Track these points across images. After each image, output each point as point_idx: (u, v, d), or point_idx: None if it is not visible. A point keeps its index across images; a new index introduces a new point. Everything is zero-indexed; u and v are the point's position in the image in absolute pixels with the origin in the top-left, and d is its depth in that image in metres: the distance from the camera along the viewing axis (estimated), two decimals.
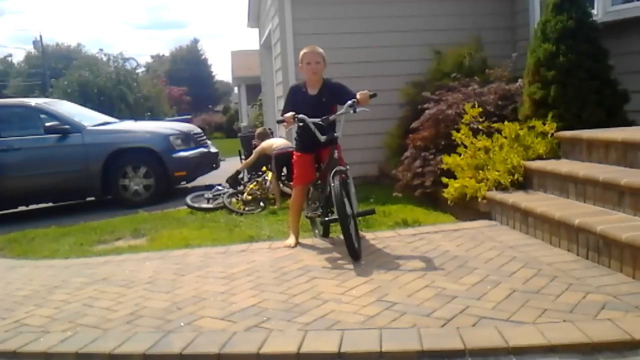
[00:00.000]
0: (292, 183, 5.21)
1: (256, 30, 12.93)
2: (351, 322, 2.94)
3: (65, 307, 3.67)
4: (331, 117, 4.43)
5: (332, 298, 3.31)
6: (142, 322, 3.24)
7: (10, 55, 65.24)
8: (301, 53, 4.63)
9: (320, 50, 4.64)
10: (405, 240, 4.53)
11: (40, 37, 50.19)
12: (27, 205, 9.16)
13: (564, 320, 2.74)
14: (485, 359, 2.50)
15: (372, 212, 4.50)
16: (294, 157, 4.79)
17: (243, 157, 8.91)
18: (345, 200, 4.11)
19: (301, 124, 4.41)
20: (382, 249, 4.32)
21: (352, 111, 4.34)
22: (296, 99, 4.62)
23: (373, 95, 4.39)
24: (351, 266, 3.92)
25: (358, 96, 4.33)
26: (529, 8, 7.45)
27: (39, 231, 6.98)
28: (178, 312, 3.34)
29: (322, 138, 4.37)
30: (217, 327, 3.03)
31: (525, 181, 5.00)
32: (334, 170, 4.21)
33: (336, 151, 4.39)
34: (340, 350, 2.63)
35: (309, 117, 4.42)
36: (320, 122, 4.40)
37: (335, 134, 4.42)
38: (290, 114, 4.42)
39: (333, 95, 4.56)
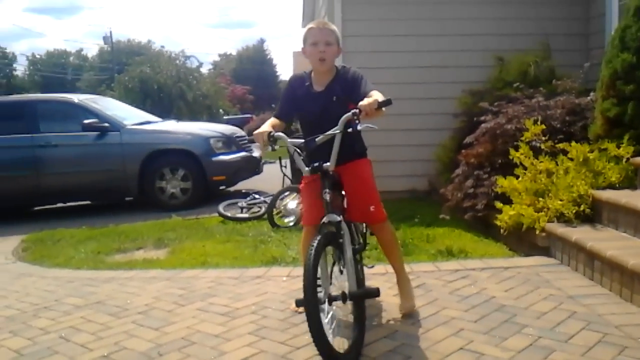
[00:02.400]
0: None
1: None
2: None
3: (41, 338, 3.21)
4: (318, 139, 2.91)
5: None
6: None
7: (82, 50, 67.37)
8: (305, 29, 3.16)
9: (333, 26, 3.18)
10: (445, 278, 3.87)
11: (110, 32, 51.56)
12: (65, 203, 8.93)
13: None
14: None
15: (375, 293, 2.84)
16: (301, 183, 3.30)
17: (284, 165, 8.30)
18: (323, 273, 2.74)
19: (276, 147, 2.98)
20: (415, 287, 3.67)
21: (349, 129, 2.84)
22: (295, 95, 3.21)
23: (385, 103, 2.83)
24: (374, 312, 3.31)
25: (361, 103, 2.79)
26: (606, 12, 6.58)
27: (68, 232, 6.70)
28: (157, 359, 2.81)
29: (306, 171, 2.96)
30: None
31: (593, 214, 4.25)
32: (321, 222, 2.84)
33: (326, 191, 2.87)
34: None
35: (313, 123, 3.11)
36: (304, 145, 3.08)
37: (325, 165, 2.89)
38: (263, 129, 2.99)
39: (348, 92, 3.06)
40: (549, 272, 3.88)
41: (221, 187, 8.83)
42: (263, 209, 6.78)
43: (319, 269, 2.61)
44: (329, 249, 2.82)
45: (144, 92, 22.84)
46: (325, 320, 2.65)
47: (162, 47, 62.46)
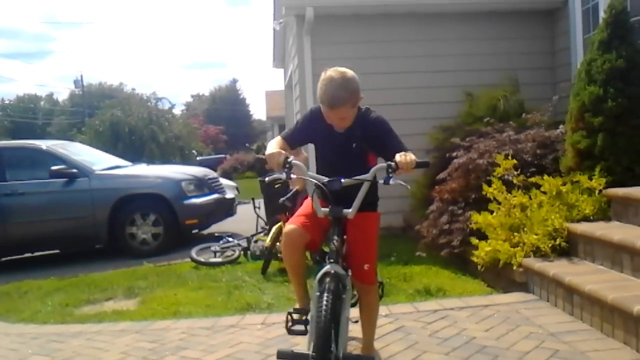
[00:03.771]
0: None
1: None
2: None
3: None
4: (345, 181, 2.69)
5: None
6: None
7: (53, 94, 66.98)
8: (318, 93, 2.82)
9: (351, 83, 2.79)
10: (424, 320, 3.78)
11: (81, 76, 50.86)
12: (32, 253, 8.67)
13: None
14: None
15: None
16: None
17: (257, 207, 8.09)
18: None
19: (292, 175, 2.69)
20: (394, 331, 3.58)
21: (382, 181, 2.62)
22: (313, 128, 2.96)
23: (423, 165, 2.69)
24: None
25: (398, 158, 2.59)
26: (571, 46, 6.70)
27: (35, 283, 6.47)
28: None
29: (322, 212, 2.74)
30: None
31: (569, 247, 4.23)
32: (323, 271, 2.60)
33: (336, 238, 2.70)
34: None
35: (330, 161, 2.98)
36: (326, 184, 2.73)
37: (345, 211, 2.71)
38: (275, 149, 2.76)
39: (370, 140, 2.85)
40: (529, 309, 3.82)
41: (194, 231, 8.67)
42: (237, 253, 6.65)
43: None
44: None
45: (115, 135, 22.65)
46: None
47: (133, 89, 62.27)
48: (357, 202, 2.68)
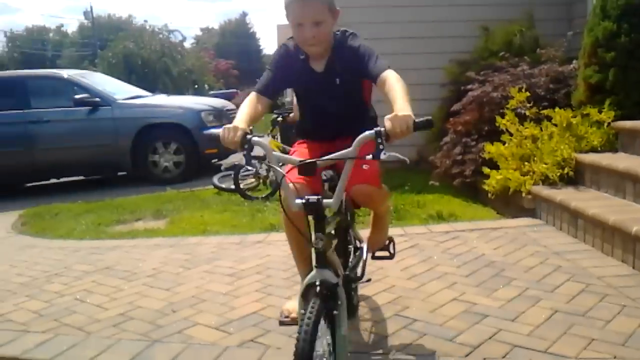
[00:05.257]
0: None
1: None
2: (360, 342, 2.54)
3: (56, 300, 3.37)
4: (320, 162, 2.09)
5: None
6: (130, 325, 2.91)
7: (62, 26, 66.34)
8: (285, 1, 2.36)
9: None
10: (437, 239, 4.08)
11: (91, 7, 50.79)
12: (58, 178, 9.03)
13: (615, 357, 2.28)
14: None
15: None
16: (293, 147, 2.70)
17: (274, 136, 8.35)
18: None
19: (253, 159, 2.11)
20: (409, 248, 3.89)
21: (370, 157, 1.94)
22: (288, 69, 2.48)
23: (424, 125, 2.00)
24: (372, 269, 3.51)
25: (388, 124, 1.96)
26: None
27: (65, 206, 6.80)
28: (171, 315, 3.00)
29: (295, 205, 2.01)
30: (209, 339, 2.68)
31: (576, 176, 4.46)
32: (306, 282, 1.99)
33: (320, 235, 2.01)
34: None
35: (314, 112, 2.59)
36: (299, 167, 2.09)
37: (326, 202, 2.01)
38: (236, 123, 2.16)
39: (352, 70, 2.39)
40: (535, 232, 4.10)
41: (213, 160, 8.96)
42: (257, 181, 6.92)
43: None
44: None
45: (129, 67, 22.76)
46: None
47: (145, 21, 61.60)
48: (339, 189, 2.02)
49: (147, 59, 22.99)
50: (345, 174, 2.02)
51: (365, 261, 2.59)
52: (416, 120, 1.95)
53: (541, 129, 4.88)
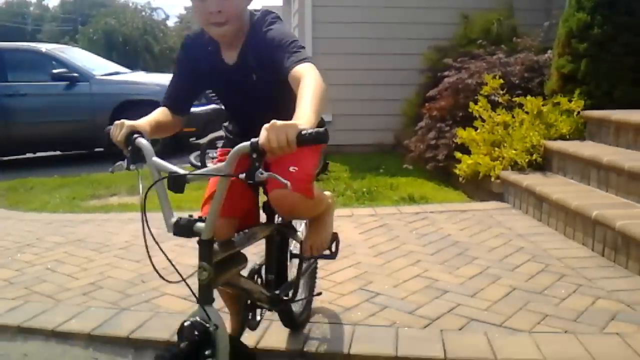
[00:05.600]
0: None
1: None
2: (325, 314, 2.61)
3: (27, 269, 3.40)
4: (191, 176, 1.58)
5: None
6: (99, 294, 2.96)
7: (44, 0, 65.35)
8: None
9: None
10: (406, 219, 4.17)
11: None
12: (34, 152, 8.98)
13: (566, 331, 2.38)
14: None
15: None
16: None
17: None
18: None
19: (132, 166, 1.79)
20: (378, 227, 3.97)
21: (243, 176, 1.45)
22: (197, 70, 2.02)
23: (312, 140, 1.42)
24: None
25: (262, 135, 1.42)
26: None
27: (39, 180, 6.79)
28: (141, 285, 3.05)
29: (169, 226, 1.67)
30: (176, 308, 2.74)
31: (544, 162, 4.57)
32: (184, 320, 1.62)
33: (204, 264, 1.64)
34: (303, 348, 2.32)
35: (237, 115, 2.16)
36: (169, 180, 1.62)
37: (198, 227, 1.62)
38: (120, 121, 1.80)
39: (265, 64, 1.89)
40: (502, 215, 4.20)
41: (191, 139, 8.95)
42: None
43: None
44: None
45: (109, 44, 22.55)
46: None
47: None
48: (212, 213, 1.56)
49: (128, 36, 22.79)
50: (220, 194, 1.53)
51: (305, 274, 2.31)
52: (303, 132, 1.40)
53: (513, 116, 4.98)
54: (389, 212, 4.38)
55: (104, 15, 24.76)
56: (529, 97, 4.95)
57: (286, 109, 1.67)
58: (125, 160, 1.77)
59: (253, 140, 1.42)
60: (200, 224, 1.59)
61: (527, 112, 4.91)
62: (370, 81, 7.34)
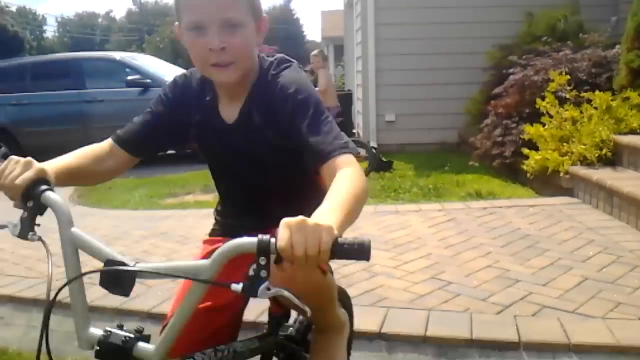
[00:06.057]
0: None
1: None
2: (399, 299, 2.74)
3: None
4: (146, 269, 1.08)
5: (382, 272, 3.10)
6: None
7: (111, 11, 67.88)
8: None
9: None
10: (474, 214, 4.24)
11: None
12: None
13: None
14: (541, 355, 2.24)
15: None
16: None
17: None
18: None
19: (36, 226, 1.18)
20: (446, 221, 4.06)
21: (239, 288, 0.98)
22: (179, 117, 1.52)
23: (353, 253, 0.96)
24: (410, 239, 3.69)
25: (281, 233, 0.95)
26: None
27: (117, 181, 7.12)
28: None
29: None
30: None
31: (614, 157, 4.55)
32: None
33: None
34: (381, 330, 2.45)
35: (233, 199, 1.64)
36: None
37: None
38: (30, 159, 1.20)
39: (278, 121, 1.39)
40: (571, 209, 4.22)
41: None
42: None
43: None
44: None
45: (175, 52, 23.23)
46: None
47: None
48: (168, 337, 1.12)
49: None
50: (189, 304, 1.08)
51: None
52: (340, 240, 0.97)
53: (581, 112, 4.97)
54: (457, 207, 4.45)
55: (169, 24, 25.63)
56: (597, 92, 4.93)
57: (297, 183, 1.46)
58: (19, 223, 1.15)
59: (263, 237, 0.97)
60: (144, 346, 1.06)
61: (595, 108, 4.89)
62: (433, 81, 7.43)
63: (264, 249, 0.97)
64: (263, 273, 0.97)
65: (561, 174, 4.61)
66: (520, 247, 3.42)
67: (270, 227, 1.08)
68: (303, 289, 1.26)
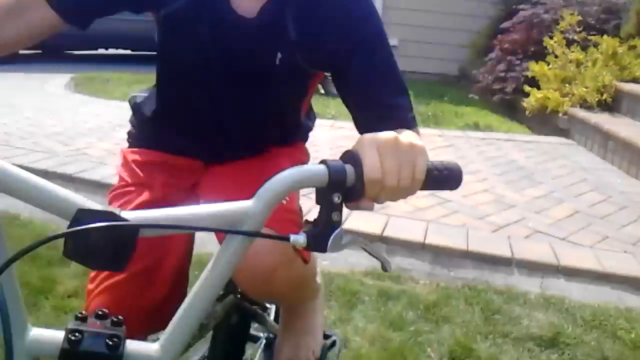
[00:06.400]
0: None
1: None
2: (400, 210, 2.85)
3: (124, 144, 3.71)
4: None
5: None
6: None
7: None
8: None
9: None
10: (472, 143, 4.34)
11: None
12: (107, 49, 9.26)
13: (625, 252, 2.58)
14: (531, 273, 2.39)
15: None
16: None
17: None
18: None
19: None
20: (445, 147, 4.16)
21: (306, 243, 0.66)
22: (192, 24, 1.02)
23: (435, 183, 0.72)
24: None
25: (369, 163, 0.66)
26: None
27: (114, 74, 7.07)
28: None
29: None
30: None
31: (613, 103, 4.64)
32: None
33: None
34: (382, 234, 2.57)
35: (195, 104, 1.14)
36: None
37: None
38: None
39: (320, 41, 0.97)
40: (567, 149, 4.34)
41: None
42: None
43: None
44: None
45: None
46: None
47: None
48: (181, 329, 0.66)
49: None
50: (221, 271, 0.66)
51: None
52: (431, 166, 0.72)
53: (586, 55, 5.01)
54: (456, 135, 4.55)
55: None
56: (604, 37, 4.96)
57: (285, 111, 1.15)
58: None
59: (335, 163, 0.67)
60: (140, 347, 0.65)
61: (601, 53, 4.93)
62: (438, 8, 7.29)
63: (339, 181, 0.66)
64: (336, 216, 0.67)
65: (560, 114, 4.70)
66: (516, 176, 3.55)
67: (226, 153, 1.05)
68: (282, 289, 1.02)
